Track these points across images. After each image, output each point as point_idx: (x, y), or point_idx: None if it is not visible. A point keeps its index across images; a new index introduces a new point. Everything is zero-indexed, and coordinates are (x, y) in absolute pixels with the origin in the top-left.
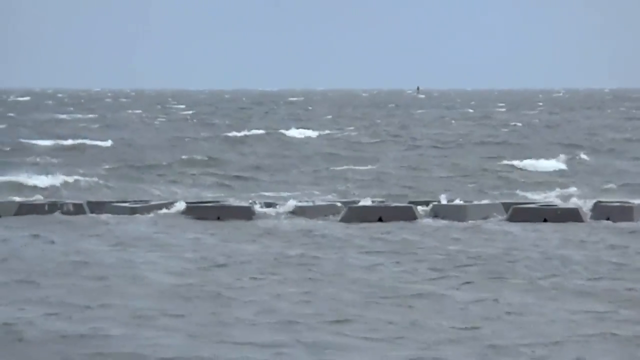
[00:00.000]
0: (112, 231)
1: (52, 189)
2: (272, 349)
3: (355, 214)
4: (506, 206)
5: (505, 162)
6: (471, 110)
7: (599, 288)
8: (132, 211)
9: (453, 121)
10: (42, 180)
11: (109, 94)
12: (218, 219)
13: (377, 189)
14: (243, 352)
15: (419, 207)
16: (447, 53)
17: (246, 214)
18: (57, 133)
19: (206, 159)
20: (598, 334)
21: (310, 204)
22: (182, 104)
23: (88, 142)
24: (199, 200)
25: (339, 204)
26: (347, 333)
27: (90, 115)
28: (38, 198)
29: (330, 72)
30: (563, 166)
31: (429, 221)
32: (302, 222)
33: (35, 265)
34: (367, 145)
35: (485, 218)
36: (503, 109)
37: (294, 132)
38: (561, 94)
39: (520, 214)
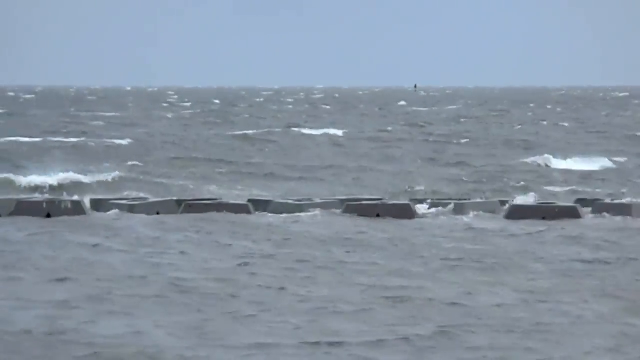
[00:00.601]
0: (114, 229)
1: (87, 187)
2: None
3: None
4: (505, 204)
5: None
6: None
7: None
8: (130, 209)
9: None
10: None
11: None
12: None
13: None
14: None
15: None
16: (439, 51)
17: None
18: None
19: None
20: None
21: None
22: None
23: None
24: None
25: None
26: None
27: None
28: (36, 196)
29: (326, 70)
30: (609, 164)
31: (426, 219)
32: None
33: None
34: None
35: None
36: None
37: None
38: (564, 92)
39: (518, 212)
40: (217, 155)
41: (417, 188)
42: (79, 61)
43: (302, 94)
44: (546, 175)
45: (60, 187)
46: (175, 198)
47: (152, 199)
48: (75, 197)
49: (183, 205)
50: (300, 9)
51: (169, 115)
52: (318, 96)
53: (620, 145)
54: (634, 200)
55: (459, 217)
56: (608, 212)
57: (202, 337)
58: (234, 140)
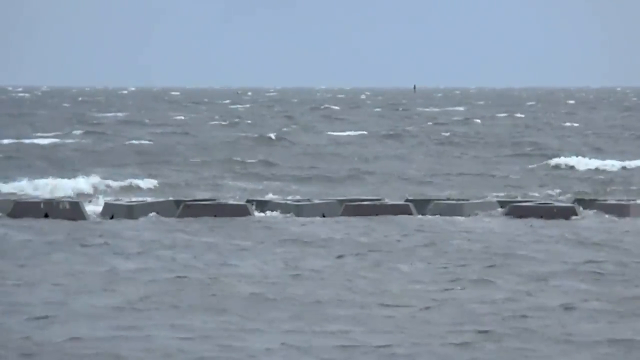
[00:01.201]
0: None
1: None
2: None
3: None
4: (503, 204)
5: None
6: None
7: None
8: (129, 210)
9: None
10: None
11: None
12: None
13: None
14: None
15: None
16: (437, 52)
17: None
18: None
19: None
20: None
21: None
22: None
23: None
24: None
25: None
26: None
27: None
28: (35, 196)
29: (324, 71)
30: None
31: (424, 218)
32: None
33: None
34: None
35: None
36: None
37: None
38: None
39: (516, 212)
40: (250, 156)
41: (447, 192)
42: (76, 62)
43: (318, 94)
44: (572, 176)
45: (126, 190)
46: (173, 198)
47: (150, 200)
48: (73, 198)
49: (182, 206)
50: (300, 9)
51: (186, 116)
52: (328, 96)
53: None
54: (632, 200)
55: (457, 217)
56: (606, 212)
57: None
58: (266, 142)
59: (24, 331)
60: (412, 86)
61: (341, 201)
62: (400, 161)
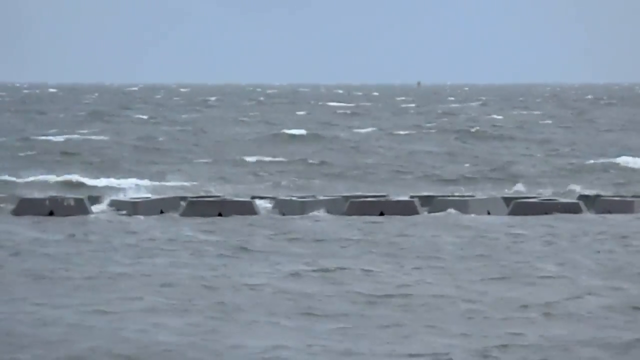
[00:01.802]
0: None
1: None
2: None
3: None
4: (507, 201)
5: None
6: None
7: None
8: (134, 206)
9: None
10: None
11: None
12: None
13: None
14: None
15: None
16: (440, 48)
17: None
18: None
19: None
20: None
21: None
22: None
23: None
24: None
25: None
26: None
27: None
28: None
29: (324, 68)
30: None
31: (426, 215)
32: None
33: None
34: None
35: (487, 212)
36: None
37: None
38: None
39: (521, 208)
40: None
41: (516, 188)
42: (76, 60)
43: (340, 90)
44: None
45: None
46: (178, 195)
47: (154, 197)
48: (78, 195)
49: (186, 203)
50: (300, 7)
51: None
52: (358, 94)
53: None
54: (637, 196)
55: (462, 214)
56: (610, 209)
57: None
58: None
59: None
60: (416, 82)
61: (346, 197)
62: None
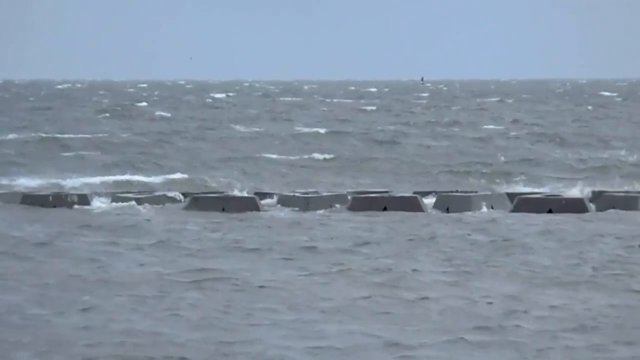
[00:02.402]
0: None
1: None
2: None
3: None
4: (511, 197)
5: None
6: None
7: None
8: (138, 202)
9: None
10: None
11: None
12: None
13: None
14: None
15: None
16: (443, 44)
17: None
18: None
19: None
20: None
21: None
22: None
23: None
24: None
25: None
26: None
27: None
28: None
29: (324, 63)
30: None
31: (433, 211)
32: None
33: None
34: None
35: (490, 208)
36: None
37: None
38: (567, 85)
39: (525, 204)
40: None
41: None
42: (75, 57)
43: (353, 87)
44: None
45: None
46: (181, 191)
47: (158, 193)
48: (81, 191)
49: (189, 199)
50: (301, 4)
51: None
52: (372, 89)
53: None
54: None
55: (464, 210)
56: (615, 205)
57: None
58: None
59: None
60: (420, 78)
61: (349, 193)
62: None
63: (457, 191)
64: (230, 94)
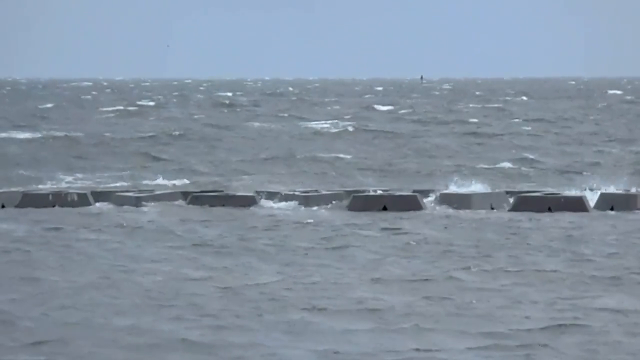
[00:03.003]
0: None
1: None
2: None
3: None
4: (511, 195)
5: None
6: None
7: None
8: (137, 201)
9: None
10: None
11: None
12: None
13: None
14: None
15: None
16: (442, 43)
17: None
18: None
19: None
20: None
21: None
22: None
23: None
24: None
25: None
26: None
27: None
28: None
29: (324, 61)
30: None
31: (433, 210)
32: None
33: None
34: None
35: (491, 207)
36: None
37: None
38: (573, 83)
39: (524, 203)
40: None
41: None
42: (89, 53)
43: (358, 87)
44: None
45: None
46: (180, 190)
47: (158, 191)
48: (81, 190)
49: (190, 197)
50: (301, 4)
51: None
52: (379, 88)
53: None
54: None
55: (464, 208)
56: (614, 203)
57: None
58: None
59: None
60: (420, 77)
61: (349, 192)
62: None
63: (456, 190)
64: (239, 93)
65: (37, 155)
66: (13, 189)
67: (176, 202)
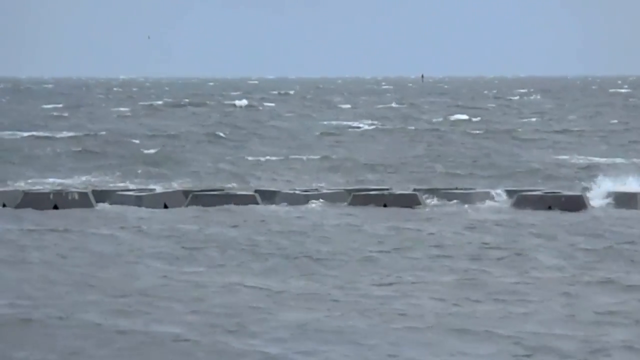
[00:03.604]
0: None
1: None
2: None
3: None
4: (511, 193)
5: None
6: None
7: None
8: (138, 200)
9: None
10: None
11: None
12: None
13: None
14: None
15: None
16: (442, 41)
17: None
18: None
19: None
20: None
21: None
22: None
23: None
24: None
25: None
26: None
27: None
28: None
29: (324, 61)
30: None
31: (432, 208)
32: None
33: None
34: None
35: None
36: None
37: None
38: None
39: (524, 201)
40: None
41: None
42: (91, 52)
43: (368, 86)
44: None
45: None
46: (181, 189)
47: (159, 191)
48: (82, 189)
49: (190, 197)
50: (302, 4)
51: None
52: (386, 87)
53: None
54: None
55: (464, 207)
56: (614, 202)
57: None
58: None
59: None
60: (420, 75)
61: (349, 191)
62: None
63: (456, 188)
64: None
65: (38, 154)
66: (13, 188)
67: (177, 201)
